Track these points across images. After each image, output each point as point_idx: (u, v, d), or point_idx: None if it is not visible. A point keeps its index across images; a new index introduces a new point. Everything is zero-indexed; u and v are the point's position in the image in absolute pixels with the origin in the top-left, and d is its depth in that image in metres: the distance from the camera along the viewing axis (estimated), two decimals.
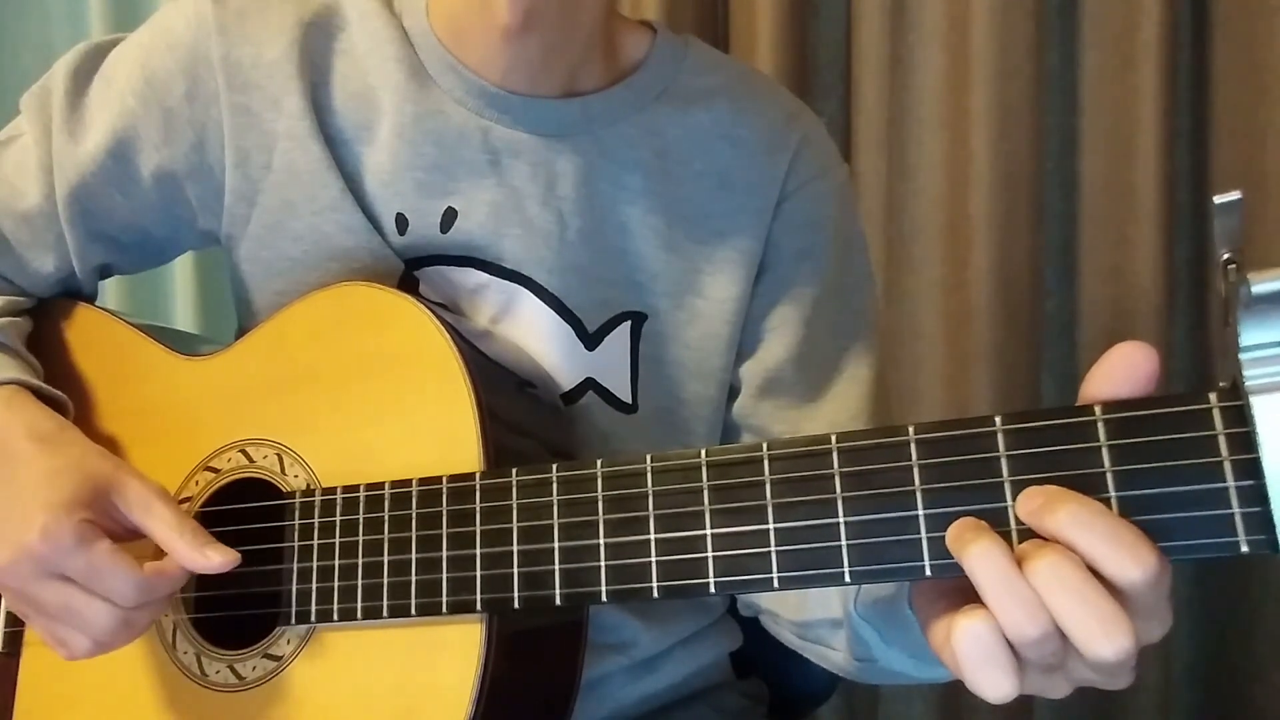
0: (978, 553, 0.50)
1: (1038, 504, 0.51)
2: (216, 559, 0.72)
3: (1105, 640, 0.48)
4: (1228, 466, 0.48)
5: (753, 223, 0.87)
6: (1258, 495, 0.48)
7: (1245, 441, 0.48)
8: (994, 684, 0.51)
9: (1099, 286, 1.40)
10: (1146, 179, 1.37)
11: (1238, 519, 0.48)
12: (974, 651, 0.51)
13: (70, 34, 1.74)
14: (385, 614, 0.71)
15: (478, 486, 0.69)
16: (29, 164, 0.88)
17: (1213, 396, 0.49)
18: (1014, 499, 0.52)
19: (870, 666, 0.75)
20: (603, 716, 0.88)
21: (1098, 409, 0.51)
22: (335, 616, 0.73)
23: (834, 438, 0.57)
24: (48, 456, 0.75)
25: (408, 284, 0.84)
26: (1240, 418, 0.48)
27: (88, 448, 0.77)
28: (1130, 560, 0.48)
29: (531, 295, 0.84)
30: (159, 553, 0.76)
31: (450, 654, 0.69)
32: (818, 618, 0.79)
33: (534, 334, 0.84)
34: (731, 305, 0.87)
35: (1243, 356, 0.47)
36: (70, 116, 0.87)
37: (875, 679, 0.79)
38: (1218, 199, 0.46)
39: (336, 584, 0.73)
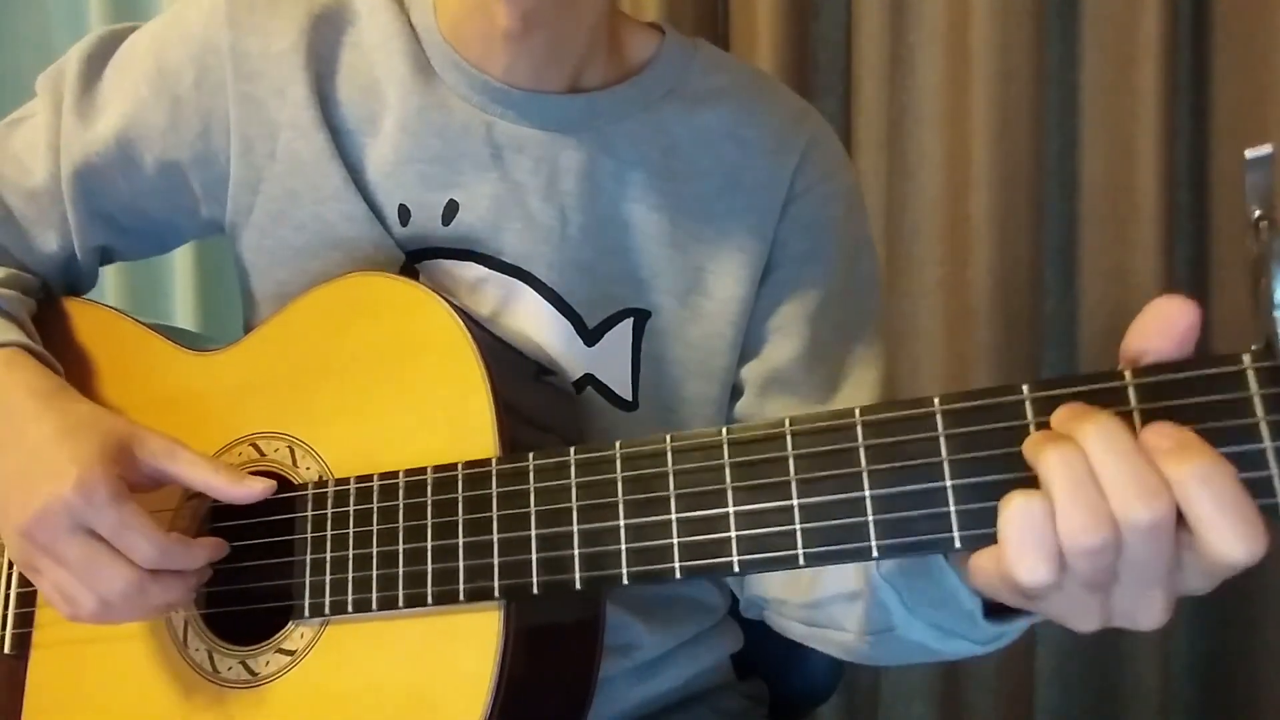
0: (1056, 458, 0.49)
1: (1167, 446, 0.48)
2: (258, 486, 0.74)
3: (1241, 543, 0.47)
4: (1264, 427, 0.48)
5: (759, 223, 0.87)
6: None
7: None
8: (1032, 568, 0.50)
9: (1099, 286, 1.40)
10: (1146, 179, 1.37)
11: (1276, 480, 0.47)
12: (1021, 531, 0.50)
13: (70, 33, 1.75)
14: (401, 604, 0.69)
15: (494, 472, 0.68)
16: (38, 143, 0.89)
17: (1246, 357, 0.48)
18: None
19: (885, 638, 0.74)
20: (604, 718, 0.87)
21: (1128, 374, 0.50)
22: (350, 608, 0.72)
23: (858, 411, 0.56)
24: (56, 414, 0.76)
25: (408, 276, 0.84)
26: (1275, 378, 0.47)
27: (93, 406, 0.79)
28: (1239, 542, 0.47)
29: (530, 290, 0.84)
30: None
31: (468, 643, 0.68)
32: (831, 594, 0.77)
33: (532, 328, 0.84)
34: (736, 305, 0.86)
35: (1278, 314, 0.46)
36: (81, 99, 0.88)
37: (886, 656, 0.77)
38: (1249, 153, 0.46)
39: (351, 575, 0.72)
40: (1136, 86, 1.37)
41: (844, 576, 0.76)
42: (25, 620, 0.85)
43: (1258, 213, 0.46)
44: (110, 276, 1.32)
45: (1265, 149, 0.45)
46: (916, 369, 1.44)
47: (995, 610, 0.63)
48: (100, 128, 0.87)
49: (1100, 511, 0.48)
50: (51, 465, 0.72)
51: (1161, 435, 0.48)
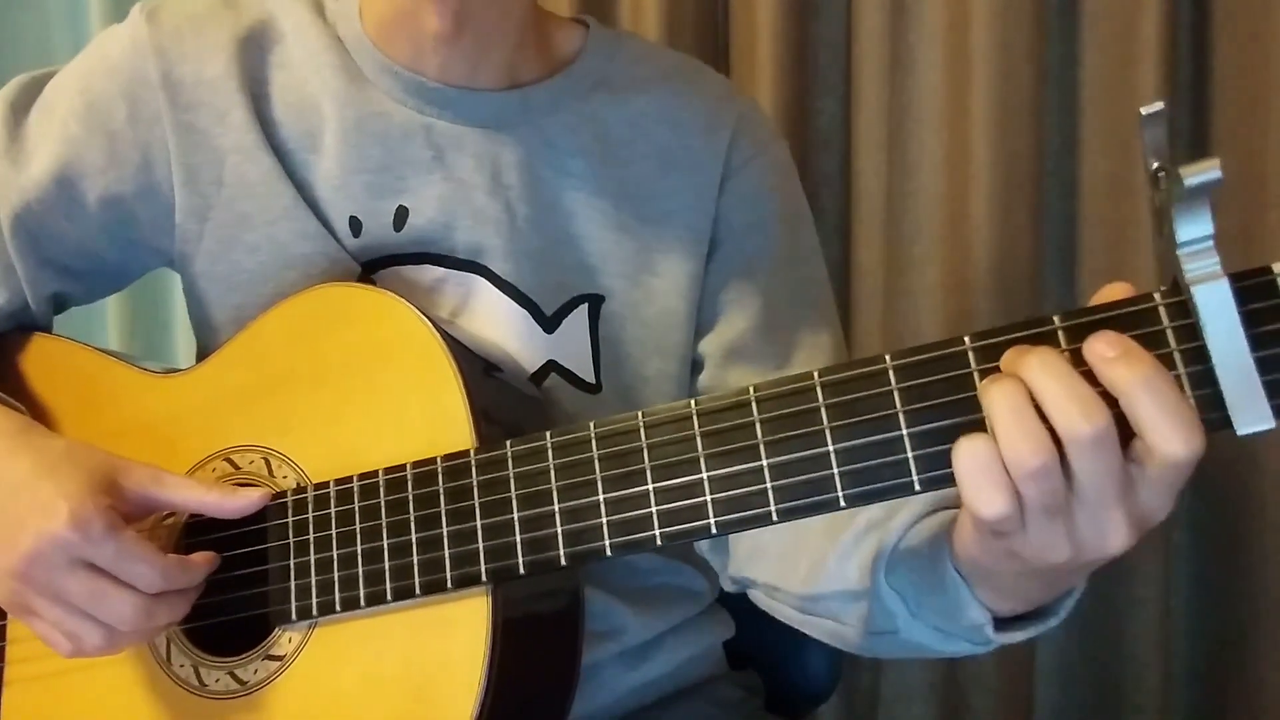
0: (996, 393, 0.59)
1: (1113, 353, 0.58)
2: (254, 495, 0.83)
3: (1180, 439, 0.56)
4: (1177, 356, 0.59)
5: (699, 200, 1.00)
6: (1208, 378, 0.58)
7: (1190, 331, 0.59)
8: (988, 501, 0.59)
9: (1099, 286, 1.46)
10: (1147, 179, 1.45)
11: (1191, 401, 0.58)
12: (971, 468, 0.59)
13: (70, 33, 1.86)
14: (390, 598, 0.79)
15: (473, 462, 0.78)
16: None
17: (1157, 295, 0.60)
18: None
19: (887, 639, 0.83)
20: (600, 707, 0.97)
21: (1056, 319, 0.62)
22: (338, 607, 0.81)
23: (816, 374, 0.67)
24: (31, 451, 0.83)
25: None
26: (1183, 311, 0.59)
27: (68, 441, 0.86)
28: (1181, 440, 0.56)
29: (488, 284, 0.95)
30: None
31: (457, 630, 0.78)
32: (832, 590, 0.86)
33: (493, 321, 0.95)
34: (686, 281, 0.98)
35: (1180, 252, 0.57)
36: (10, 146, 0.96)
37: (882, 651, 0.87)
38: (1144, 110, 0.57)
39: (337, 574, 0.81)
40: (1136, 86, 1.45)
41: (846, 574, 0.85)
42: None
43: (1156, 164, 0.57)
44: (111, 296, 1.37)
45: (1158, 105, 0.56)
46: None
47: (1002, 624, 0.73)
48: (35, 171, 0.95)
49: (1039, 434, 0.58)
50: (37, 503, 0.78)
51: (1108, 343, 0.58)
